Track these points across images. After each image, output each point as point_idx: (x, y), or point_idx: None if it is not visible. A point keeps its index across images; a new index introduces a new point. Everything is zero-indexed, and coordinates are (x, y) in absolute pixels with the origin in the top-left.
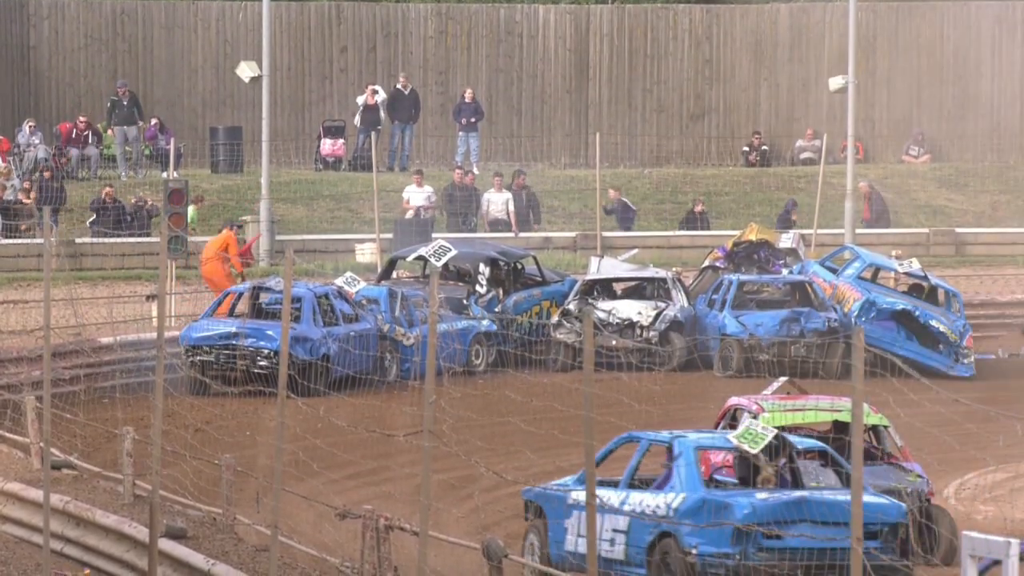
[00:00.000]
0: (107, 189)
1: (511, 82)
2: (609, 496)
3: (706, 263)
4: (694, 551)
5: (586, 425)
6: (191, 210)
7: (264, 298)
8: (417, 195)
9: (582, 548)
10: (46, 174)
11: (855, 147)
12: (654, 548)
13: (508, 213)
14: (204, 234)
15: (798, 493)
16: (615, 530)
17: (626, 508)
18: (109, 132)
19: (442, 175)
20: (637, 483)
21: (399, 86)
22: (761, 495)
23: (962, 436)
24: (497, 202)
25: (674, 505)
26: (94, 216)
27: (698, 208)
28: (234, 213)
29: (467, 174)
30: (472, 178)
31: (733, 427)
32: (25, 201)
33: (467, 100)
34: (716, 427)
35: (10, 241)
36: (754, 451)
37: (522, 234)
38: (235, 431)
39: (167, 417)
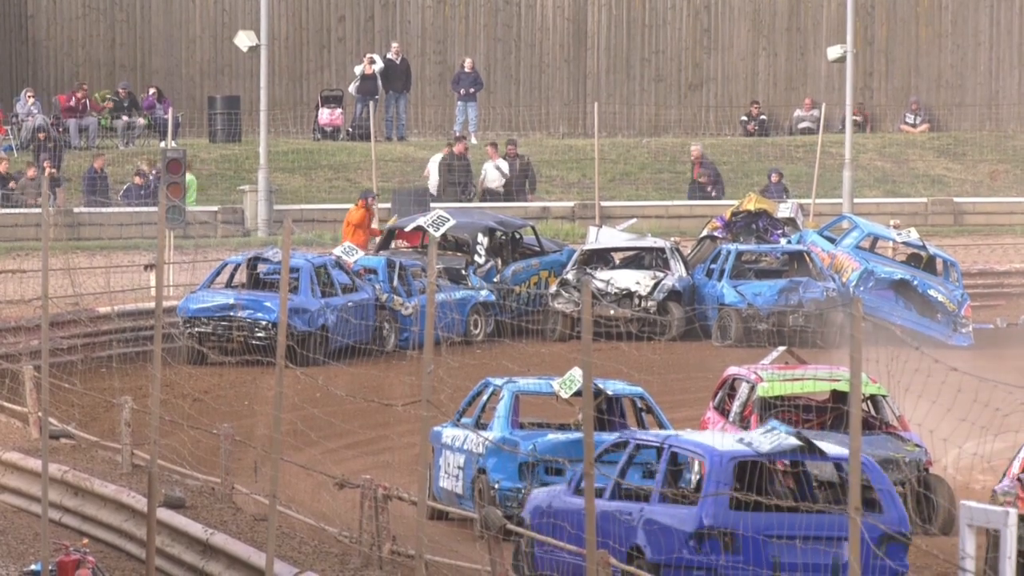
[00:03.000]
0: (99, 159)
1: (509, 51)
2: (456, 435)
3: (704, 233)
4: (496, 485)
5: (585, 395)
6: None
7: (262, 268)
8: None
9: (445, 484)
10: (40, 136)
11: (859, 116)
12: (476, 482)
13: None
14: (202, 203)
15: (577, 434)
16: (458, 467)
17: (465, 447)
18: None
19: (440, 145)
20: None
21: (391, 56)
22: (551, 436)
23: (960, 406)
24: (493, 171)
25: (487, 441)
26: (125, 188)
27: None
28: (232, 183)
29: (463, 143)
30: (466, 147)
31: (732, 397)
32: (31, 175)
33: (466, 70)
34: (714, 397)
35: (8, 211)
36: (566, 396)
37: (520, 204)
38: (233, 401)
39: (165, 387)
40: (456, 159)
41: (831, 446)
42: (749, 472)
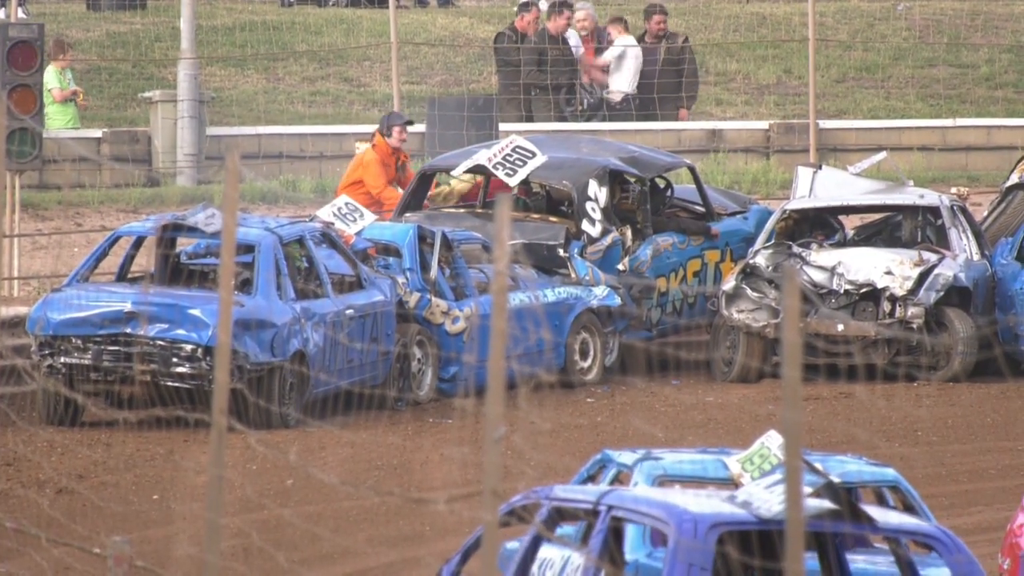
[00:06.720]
0: None
1: None
2: (549, 558)
3: (1014, 179)
4: None
5: (789, 479)
6: (52, 71)
7: (184, 246)
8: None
9: None
10: None
11: None
12: None
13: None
14: (87, 124)
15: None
16: None
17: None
18: None
19: (497, 10)
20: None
21: None
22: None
23: None
24: (617, 60)
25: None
26: None
27: None
28: (129, 86)
29: (561, 11)
30: (566, 20)
31: None
32: None
33: None
34: None
35: None
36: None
37: (667, 125)
38: (133, 492)
39: (5, 467)
40: (547, 37)
41: (886, 512)
42: (745, 549)
